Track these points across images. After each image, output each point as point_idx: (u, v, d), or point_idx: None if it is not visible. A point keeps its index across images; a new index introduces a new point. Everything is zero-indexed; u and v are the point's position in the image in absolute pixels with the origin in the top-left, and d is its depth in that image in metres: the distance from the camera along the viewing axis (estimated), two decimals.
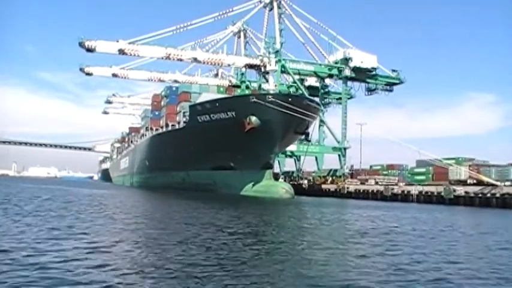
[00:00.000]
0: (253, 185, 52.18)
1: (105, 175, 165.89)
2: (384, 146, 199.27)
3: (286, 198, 47.65)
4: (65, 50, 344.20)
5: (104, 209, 24.56)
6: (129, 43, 64.31)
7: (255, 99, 47.76)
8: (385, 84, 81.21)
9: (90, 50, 64.12)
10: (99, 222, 17.27)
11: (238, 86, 71.93)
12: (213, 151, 52.94)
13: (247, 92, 63.27)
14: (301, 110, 47.51)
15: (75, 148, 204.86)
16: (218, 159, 53.64)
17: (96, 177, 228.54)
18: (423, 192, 49.44)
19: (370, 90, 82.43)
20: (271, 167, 54.70)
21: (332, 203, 43.58)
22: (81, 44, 63.84)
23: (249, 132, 48.05)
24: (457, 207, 41.96)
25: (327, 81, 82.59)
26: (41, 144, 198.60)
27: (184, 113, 60.23)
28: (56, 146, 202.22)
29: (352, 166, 77.36)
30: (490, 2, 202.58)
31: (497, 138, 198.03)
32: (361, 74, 76.64)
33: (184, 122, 60.03)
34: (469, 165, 47.03)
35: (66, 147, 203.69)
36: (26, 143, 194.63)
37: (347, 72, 74.82)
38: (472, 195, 43.21)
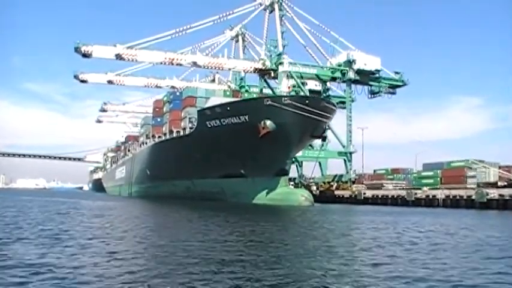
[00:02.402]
0: (267, 193, 49.39)
1: (97, 185, 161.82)
2: (383, 150, 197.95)
3: (306, 206, 44.92)
4: (51, 60, 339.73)
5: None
6: (127, 47, 61.89)
7: (270, 102, 45.22)
8: (389, 87, 79.32)
9: (86, 55, 62.14)
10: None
11: (238, 91, 69.34)
12: (222, 158, 50.25)
13: (254, 95, 60.73)
14: (318, 112, 45.19)
15: (65, 158, 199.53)
16: (227, 167, 50.88)
17: (86, 187, 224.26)
18: (450, 196, 47.01)
19: (373, 93, 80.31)
20: (287, 173, 51.89)
21: (362, 210, 41.01)
22: (77, 50, 61.79)
23: (263, 137, 45.46)
24: (490, 211, 39.61)
25: (329, 84, 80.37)
26: (29, 155, 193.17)
27: (190, 118, 57.31)
28: (45, 156, 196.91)
29: (354, 171, 75.17)
30: (485, 7, 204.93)
31: (487, 140, 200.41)
32: (365, 77, 74.51)
33: (190, 127, 57.07)
34: (499, 166, 44.94)
35: (55, 157, 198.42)
36: (13, 154, 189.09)
37: (351, 74, 72.62)
38: (507, 197, 40.93)
